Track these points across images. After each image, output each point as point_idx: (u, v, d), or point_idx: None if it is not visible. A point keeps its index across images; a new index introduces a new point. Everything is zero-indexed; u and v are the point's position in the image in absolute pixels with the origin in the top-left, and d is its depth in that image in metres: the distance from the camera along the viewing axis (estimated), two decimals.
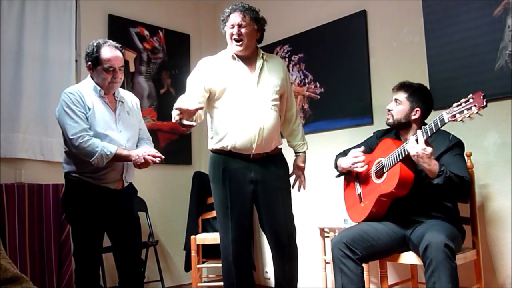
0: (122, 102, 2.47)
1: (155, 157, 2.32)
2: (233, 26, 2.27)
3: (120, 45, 2.46)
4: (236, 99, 2.27)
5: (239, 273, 2.27)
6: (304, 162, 2.55)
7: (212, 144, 2.35)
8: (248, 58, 2.35)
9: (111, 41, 2.44)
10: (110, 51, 2.36)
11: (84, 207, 2.35)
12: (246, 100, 2.27)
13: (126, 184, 2.44)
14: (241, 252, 2.28)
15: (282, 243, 2.32)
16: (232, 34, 2.27)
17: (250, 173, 2.28)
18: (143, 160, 2.30)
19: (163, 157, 2.37)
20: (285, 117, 2.52)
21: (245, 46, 2.29)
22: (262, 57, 2.37)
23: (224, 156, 2.29)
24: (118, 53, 2.39)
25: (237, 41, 2.28)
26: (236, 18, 2.27)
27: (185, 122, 2.04)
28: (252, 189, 2.29)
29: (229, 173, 2.27)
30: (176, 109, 2.04)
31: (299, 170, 2.55)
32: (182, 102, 2.05)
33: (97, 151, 2.22)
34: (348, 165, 2.33)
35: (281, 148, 2.44)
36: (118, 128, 2.40)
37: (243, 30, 2.26)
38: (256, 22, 2.31)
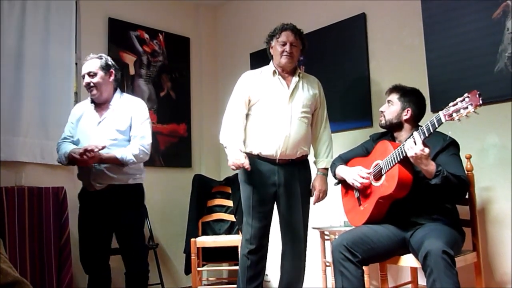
0: (113, 109, 2.61)
1: (81, 154, 2.40)
2: (285, 44, 2.50)
3: (99, 55, 2.64)
4: (267, 109, 2.49)
5: (252, 266, 2.48)
6: (320, 182, 2.57)
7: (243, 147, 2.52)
8: (287, 75, 2.56)
9: (99, 54, 2.66)
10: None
11: (81, 205, 2.65)
12: (277, 111, 2.48)
13: (99, 187, 2.52)
14: (258, 248, 2.49)
15: (299, 238, 2.52)
16: (283, 50, 2.50)
17: (274, 176, 2.48)
18: (78, 157, 2.41)
19: (84, 150, 2.40)
20: (313, 133, 2.63)
21: (293, 61, 2.54)
22: (299, 75, 2.57)
23: (252, 159, 2.47)
24: (89, 61, 2.60)
25: (287, 56, 2.49)
26: (289, 36, 2.51)
27: (247, 165, 2.34)
28: (274, 191, 2.49)
29: (255, 175, 2.47)
30: (233, 165, 2.35)
31: (315, 189, 2.58)
32: (238, 159, 2.33)
33: (60, 154, 2.56)
34: (350, 180, 2.31)
35: (307, 155, 2.57)
36: (99, 133, 2.54)
37: (294, 49, 2.51)
38: (302, 43, 2.57)
